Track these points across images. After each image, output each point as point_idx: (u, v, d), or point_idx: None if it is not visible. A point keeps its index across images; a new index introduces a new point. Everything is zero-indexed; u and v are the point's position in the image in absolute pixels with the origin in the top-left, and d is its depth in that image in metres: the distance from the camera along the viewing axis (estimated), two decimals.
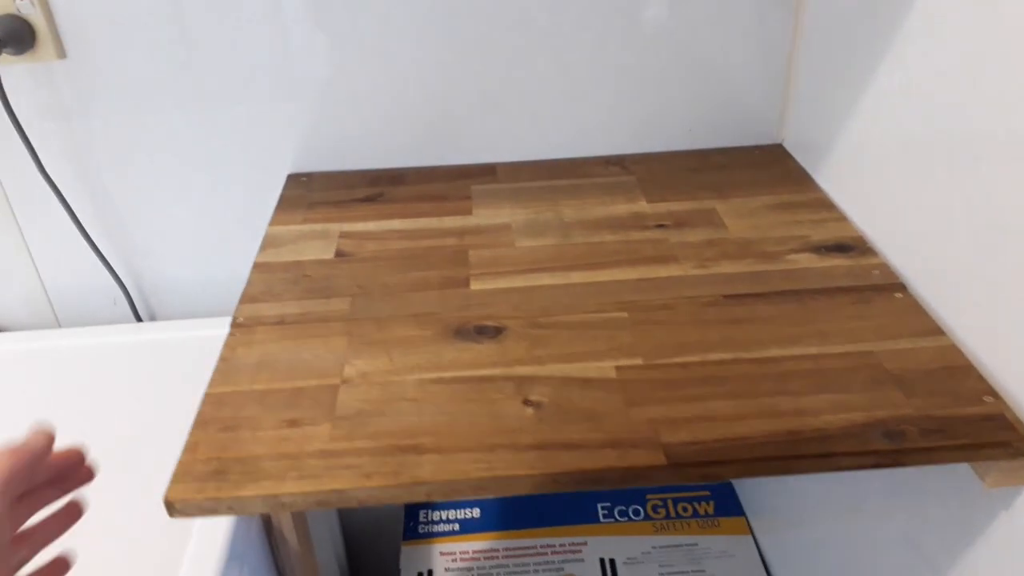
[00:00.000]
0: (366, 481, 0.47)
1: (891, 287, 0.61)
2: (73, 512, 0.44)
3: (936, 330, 0.56)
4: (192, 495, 0.47)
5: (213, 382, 0.55)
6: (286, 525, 0.69)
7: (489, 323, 0.60)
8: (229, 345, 0.59)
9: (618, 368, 0.54)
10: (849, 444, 0.48)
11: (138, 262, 0.90)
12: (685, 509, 1.06)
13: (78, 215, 0.83)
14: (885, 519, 0.65)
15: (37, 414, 0.71)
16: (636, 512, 1.06)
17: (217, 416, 0.52)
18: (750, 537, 1.02)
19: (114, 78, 0.78)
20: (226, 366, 0.57)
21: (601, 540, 1.03)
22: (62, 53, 0.76)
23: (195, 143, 0.82)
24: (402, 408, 0.52)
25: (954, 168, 0.56)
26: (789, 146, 0.84)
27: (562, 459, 0.48)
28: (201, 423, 0.52)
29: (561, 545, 1.02)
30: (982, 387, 0.51)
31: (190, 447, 0.50)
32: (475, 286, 0.64)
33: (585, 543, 1.02)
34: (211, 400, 0.54)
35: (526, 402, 0.52)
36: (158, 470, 0.65)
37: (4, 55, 0.74)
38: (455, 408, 0.52)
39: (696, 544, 1.02)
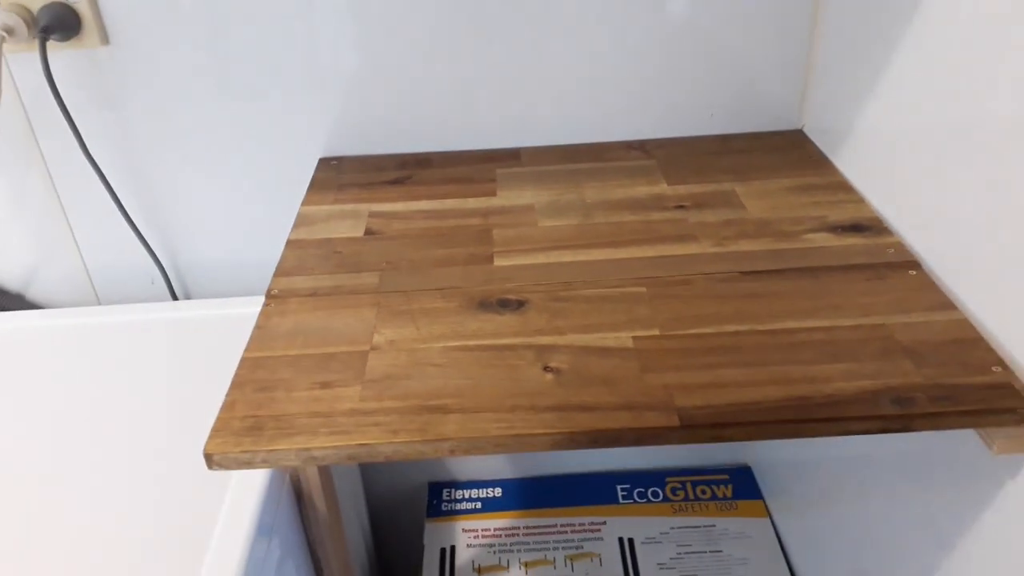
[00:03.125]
0: (393, 437, 0.50)
1: (906, 264, 0.62)
2: None
3: (948, 305, 0.58)
4: (229, 448, 0.50)
5: (250, 347, 0.58)
6: (316, 494, 0.71)
7: (511, 296, 0.62)
8: (264, 314, 0.61)
9: (635, 338, 0.56)
10: (858, 409, 0.49)
11: (175, 243, 0.93)
12: (704, 492, 1.07)
13: (119, 197, 0.87)
14: (898, 496, 0.66)
15: (78, 386, 0.75)
16: (655, 494, 1.07)
17: (253, 378, 0.55)
18: (767, 520, 1.03)
19: (153, 65, 0.81)
20: (261, 333, 0.59)
21: (620, 520, 1.04)
22: (105, 40, 0.80)
23: (230, 129, 0.86)
24: (428, 372, 0.55)
25: (971, 150, 0.57)
26: (809, 131, 0.85)
27: (579, 419, 0.50)
28: (238, 384, 0.55)
29: (580, 524, 1.04)
30: (991, 358, 0.52)
31: (228, 406, 0.53)
32: (498, 262, 0.66)
33: (604, 523, 1.04)
34: (247, 363, 0.57)
35: (546, 368, 0.54)
36: (193, 435, 0.68)
37: (51, 41, 0.77)
38: (478, 373, 0.54)
39: (714, 525, 1.03)
